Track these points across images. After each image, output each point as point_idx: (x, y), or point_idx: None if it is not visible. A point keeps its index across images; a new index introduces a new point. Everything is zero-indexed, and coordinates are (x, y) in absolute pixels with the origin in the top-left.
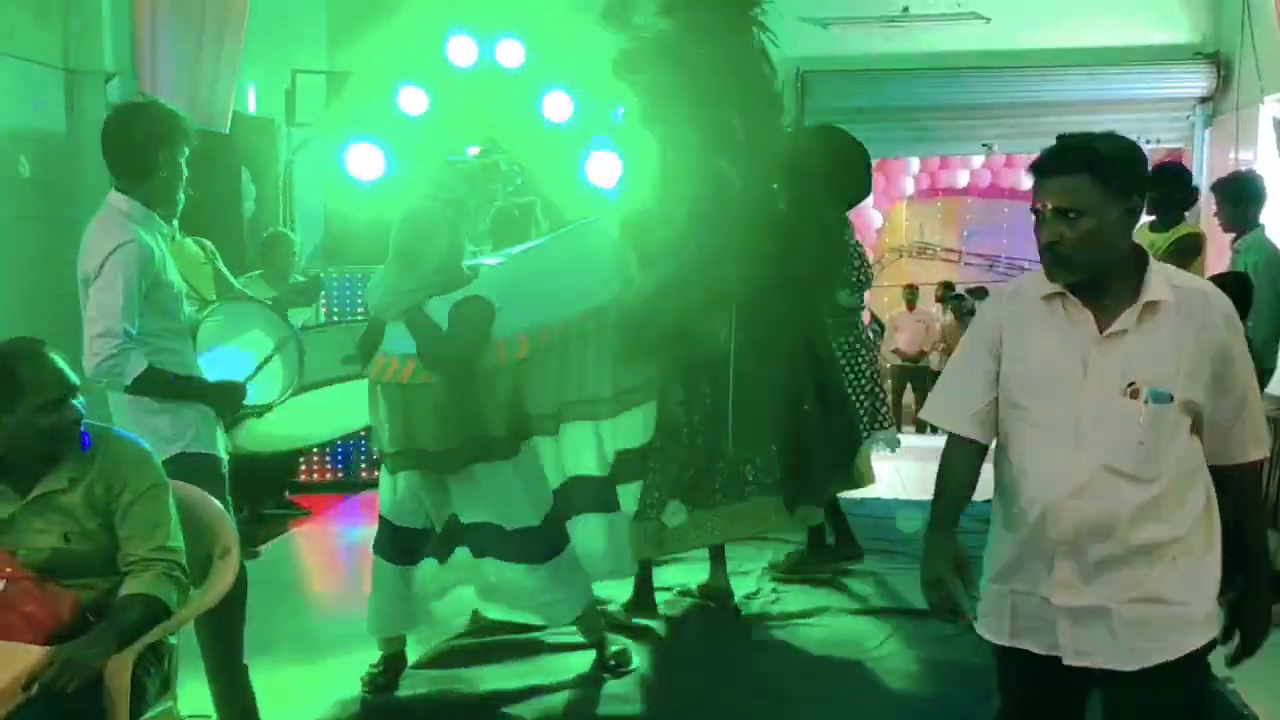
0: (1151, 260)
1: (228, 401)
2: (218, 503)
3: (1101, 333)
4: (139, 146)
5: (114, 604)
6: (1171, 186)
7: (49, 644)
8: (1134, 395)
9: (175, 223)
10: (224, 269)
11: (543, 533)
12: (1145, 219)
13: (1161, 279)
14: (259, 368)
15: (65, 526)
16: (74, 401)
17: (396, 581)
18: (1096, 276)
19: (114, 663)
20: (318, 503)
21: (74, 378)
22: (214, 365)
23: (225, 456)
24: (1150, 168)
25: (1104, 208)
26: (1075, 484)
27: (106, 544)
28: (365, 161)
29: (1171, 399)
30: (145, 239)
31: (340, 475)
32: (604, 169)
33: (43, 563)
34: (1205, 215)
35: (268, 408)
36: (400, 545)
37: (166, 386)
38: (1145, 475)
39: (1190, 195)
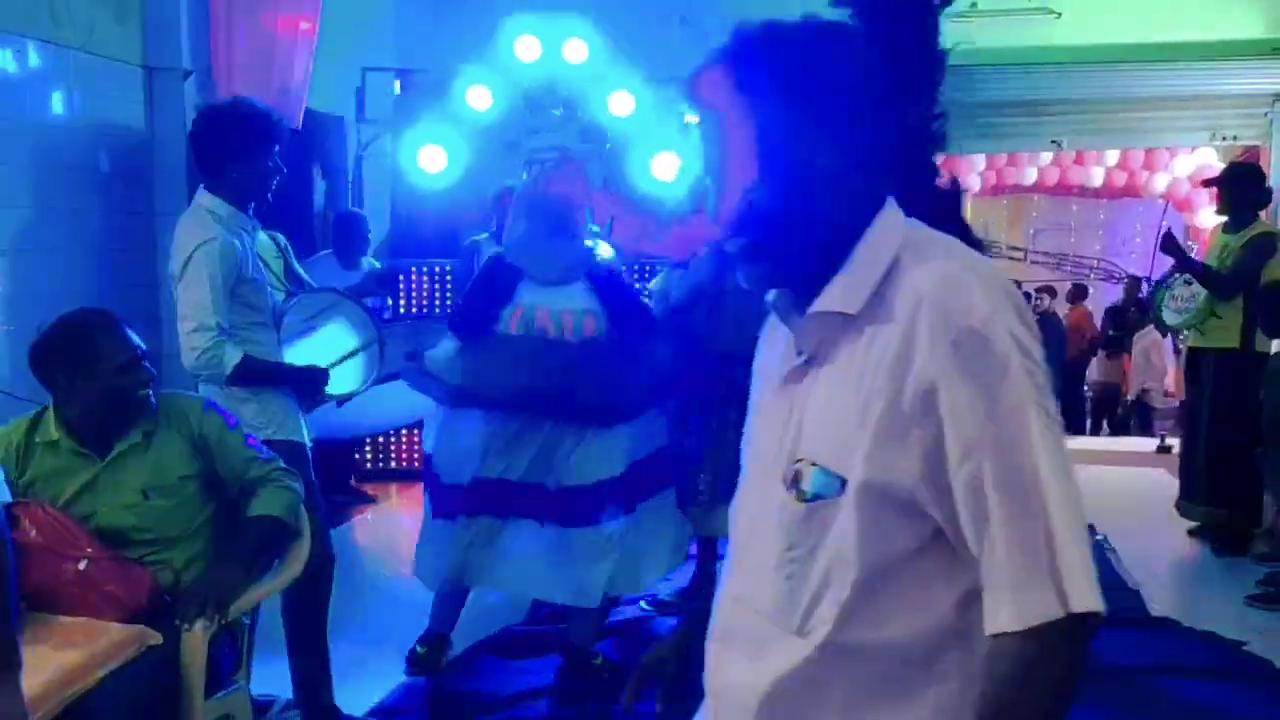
0: (887, 223)
1: (311, 386)
2: None
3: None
4: (224, 145)
5: (240, 527)
6: (1243, 185)
7: (127, 623)
8: (796, 481)
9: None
10: (296, 264)
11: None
12: (1218, 219)
13: (866, 267)
14: (344, 358)
15: (144, 482)
16: (145, 363)
17: (443, 533)
18: (796, 266)
19: (190, 640)
20: (382, 490)
21: (141, 342)
22: (297, 355)
23: (309, 442)
24: (1224, 167)
25: (765, 128)
26: (717, 622)
27: (185, 499)
28: (432, 160)
29: (843, 486)
30: (227, 237)
31: (405, 464)
32: (667, 166)
33: (125, 523)
34: None
35: (349, 396)
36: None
37: (262, 374)
38: (788, 624)
39: (1264, 194)
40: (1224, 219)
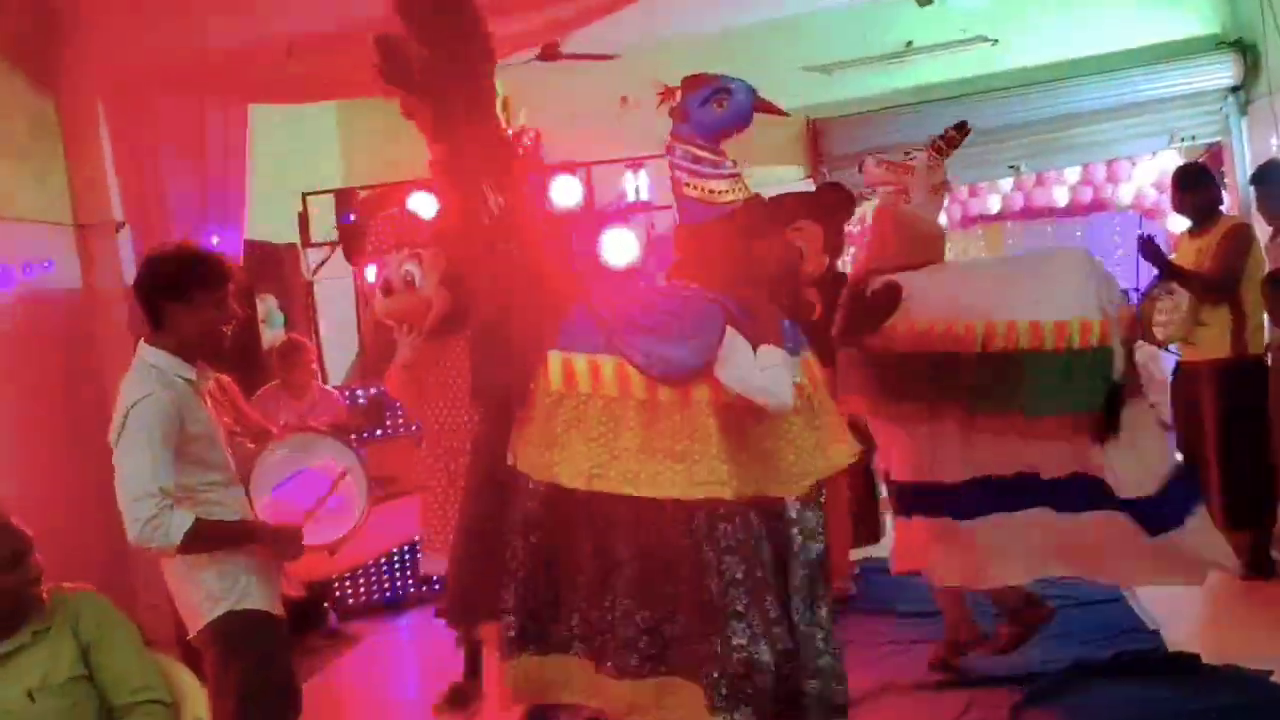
0: None
1: (284, 545)
2: (189, 673)
3: None
4: (166, 292)
5: None
6: (1199, 188)
7: None
8: None
9: None
10: (242, 404)
11: None
12: (1183, 226)
13: None
14: (317, 505)
15: (30, 684)
16: (30, 561)
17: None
18: None
19: None
20: (364, 628)
21: (26, 537)
22: (285, 503)
23: (280, 612)
24: (1174, 174)
25: None
26: None
27: (77, 699)
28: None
29: None
30: (163, 392)
31: (388, 594)
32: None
33: None
34: (1252, 207)
35: (341, 542)
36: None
37: (222, 537)
38: None
39: (1216, 191)
40: (1186, 225)
